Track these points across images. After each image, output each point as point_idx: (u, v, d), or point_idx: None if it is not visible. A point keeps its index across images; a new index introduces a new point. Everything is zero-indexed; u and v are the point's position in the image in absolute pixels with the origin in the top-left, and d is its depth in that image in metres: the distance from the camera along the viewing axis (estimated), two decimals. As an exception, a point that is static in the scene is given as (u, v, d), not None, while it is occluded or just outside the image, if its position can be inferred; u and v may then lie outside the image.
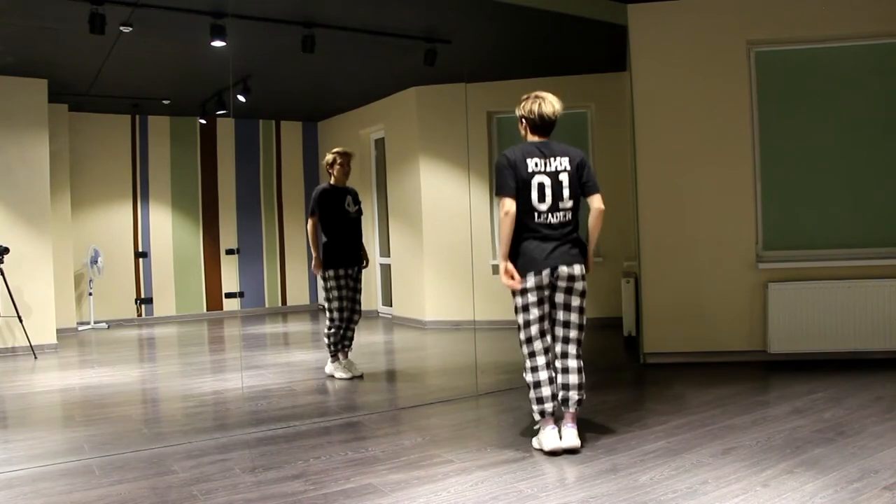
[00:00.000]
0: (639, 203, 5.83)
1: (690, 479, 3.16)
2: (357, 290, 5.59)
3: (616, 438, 3.81)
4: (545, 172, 3.61)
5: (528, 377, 3.65)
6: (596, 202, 3.73)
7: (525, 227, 3.59)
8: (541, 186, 3.58)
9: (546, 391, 3.59)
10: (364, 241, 5.77)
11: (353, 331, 5.65)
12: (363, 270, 5.66)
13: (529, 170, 3.59)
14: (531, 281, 3.56)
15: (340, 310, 5.45)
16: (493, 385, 5.22)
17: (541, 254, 3.56)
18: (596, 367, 5.83)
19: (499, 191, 3.60)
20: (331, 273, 5.41)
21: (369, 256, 5.80)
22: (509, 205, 3.55)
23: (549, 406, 3.59)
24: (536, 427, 3.67)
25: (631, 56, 5.83)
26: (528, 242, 3.58)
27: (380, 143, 9.14)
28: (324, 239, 5.49)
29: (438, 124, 8.18)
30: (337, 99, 8.93)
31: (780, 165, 5.71)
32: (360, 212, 5.63)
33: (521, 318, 3.64)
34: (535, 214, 3.58)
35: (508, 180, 3.57)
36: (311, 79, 7.81)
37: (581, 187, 3.71)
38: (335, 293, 5.42)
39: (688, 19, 5.70)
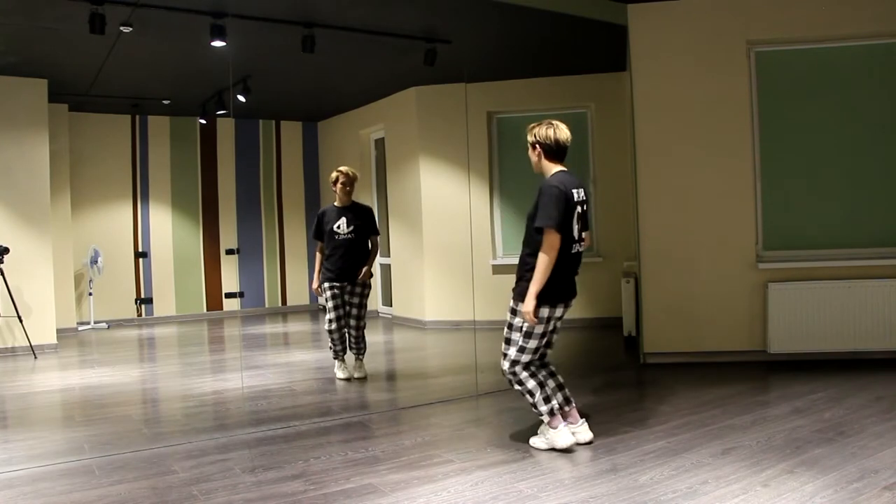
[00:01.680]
0: (639, 203, 5.83)
1: (690, 479, 3.16)
2: (353, 305, 5.58)
3: (616, 438, 3.81)
4: (578, 202, 3.63)
5: (530, 383, 3.66)
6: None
7: (561, 257, 3.55)
8: (576, 216, 3.61)
9: (550, 388, 3.68)
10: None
11: (358, 339, 5.66)
12: (367, 285, 5.65)
13: (574, 199, 3.60)
14: (559, 311, 3.64)
15: (329, 321, 5.57)
16: (493, 385, 5.22)
17: (567, 285, 3.64)
18: (596, 367, 5.83)
19: (554, 223, 3.47)
20: (324, 286, 5.56)
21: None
22: (558, 240, 3.50)
23: (556, 403, 3.67)
24: (547, 427, 3.67)
25: (631, 56, 5.83)
26: (560, 273, 3.57)
27: (380, 143, 9.14)
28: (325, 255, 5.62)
29: (438, 124, 8.18)
30: (337, 99, 8.93)
31: (780, 165, 5.71)
32: (357, 231, 5.51)
33: (533, 343, 3.63)
34: (572, 245, 3.60)
35: (562, 213, 3.51)
36: (311, 79, 7.81)
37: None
38: (329, 303, 5.57)
39: (688, 19, 5.70)
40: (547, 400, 3.65)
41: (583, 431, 3.72)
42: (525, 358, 3.67)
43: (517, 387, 3.71)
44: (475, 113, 7.84)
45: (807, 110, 5.72)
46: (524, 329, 3.63)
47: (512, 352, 3.67)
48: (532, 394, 3.66)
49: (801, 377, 5.05)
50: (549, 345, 3.81)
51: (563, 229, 3.52)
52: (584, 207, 3.69)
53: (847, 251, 5.57)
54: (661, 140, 5.76)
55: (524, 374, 3.68)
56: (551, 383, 3.75)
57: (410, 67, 7.03)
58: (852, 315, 5.41)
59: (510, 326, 3.70)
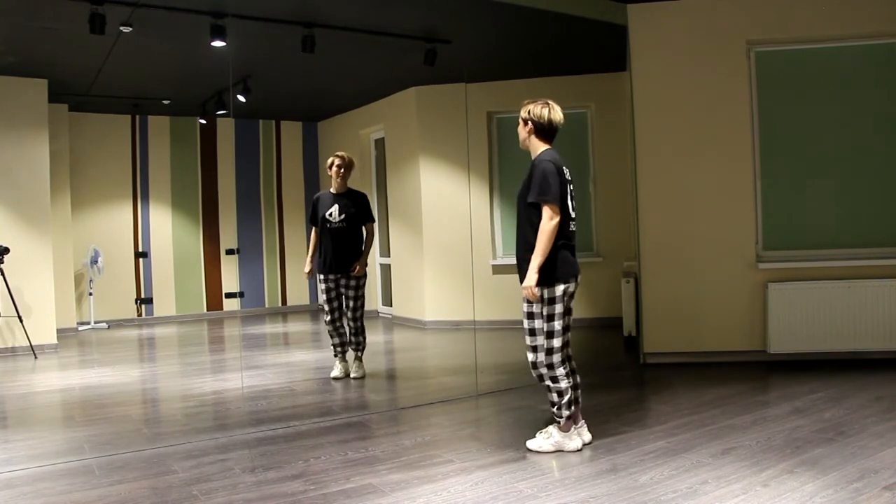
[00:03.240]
0: (639, 203, 5.83)
1: (690, 479, 3.16)
2: (349, 297, 5.54)
3: (616, 438, 3.81)
4: (569, 181, 3.67)
5: (563, 383, 3.58)
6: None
7: (561, 234, 3.57)
8: (570, 193, 3.66)
9: (573, 395, 3.64)
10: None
11: (357, 332, 5.62)
12: (362, 276, 5.60)
13: (566, 176, 3.65)
14: (571, 286, 3.61)
15: (325, 312, 5.57)
16: (493, 385, 5.22)
17: (574, 260, 3.63)
18: (596, 367, 5.83)
19: (552, 197, 3.51)
20: (319, 277, 5.55)
21: (370, 256, 5.78)
22: (558, 212, 3.53)
23: (574, 408, 3.66)
24: (559, 429, 3.66)
25: (631, 56, 5.83)
26: (563, 250, 3.58)
27: (380, 143, 9.14)
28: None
29: (438, 124, 8.18)
30: (337, 99, 8.92)
31: (779, 165, 5.71)
32: (349, 219, 5.47)
33: (556, 325, 3.57)
34: (571, 222, 3.63)
35: (557, 188, 3.54)
36: (311, 79, 7.81)
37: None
38: (322, 296, 5.55)
39: (688, 19, 5.70)
40: (569, 405, 3.62)
41: (583, 432, 3.73)
42: (557, 343, 3.57)
43: (548, 381, 3.60)
44: (475, 113, 7.83)
45: (807, 110, 5.72)
46: (545, 313, 3.56)
47: (540, 340, 3.57)
48: (561, 395, 3.59)
49: (801, 377, 5.05)
50: (569, 328, 3.72)
51: (561, 204, 3.55)
52: (571, 186, 3.71)
53: (847, 251, 5.57)
54: (661, 140, 5.75)
55: (561, 371, 3.59)
56: (571, 381, 3.71)
57: (410, 67, 7.03)
58: (852, 315, 5.41)
59: (530, 316, 3.60)
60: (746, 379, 5.14)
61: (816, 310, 5.45)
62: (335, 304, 5.52)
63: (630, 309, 6.63)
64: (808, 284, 5.47)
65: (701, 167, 5.69)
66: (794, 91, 5.73)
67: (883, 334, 5.38)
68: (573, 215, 3.68)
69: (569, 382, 3.61)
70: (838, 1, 5.47)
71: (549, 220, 3.50)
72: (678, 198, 5.73)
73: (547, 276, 3.54)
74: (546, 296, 3.56)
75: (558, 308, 3.57)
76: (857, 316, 5.40)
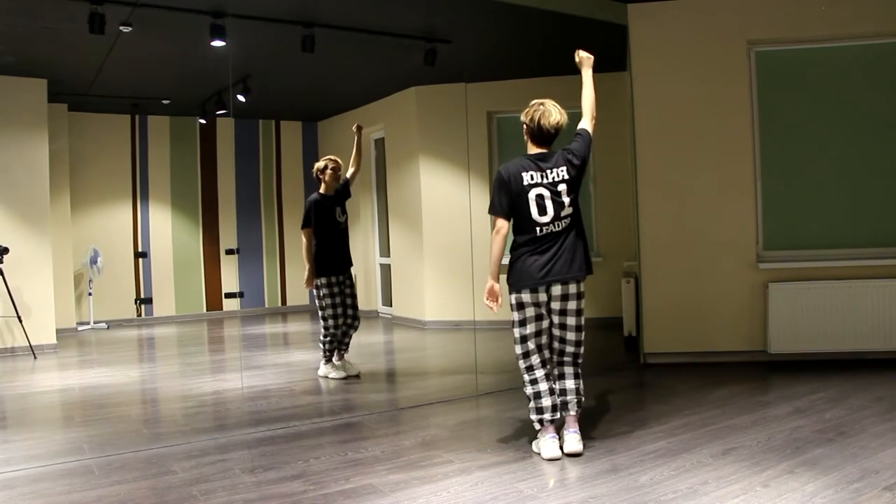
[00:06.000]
0: (639, 203, 5.83)
1: (691, 480, 3.16)
2: (353, 296, 5.61)
3: (616, 438, 3.81)
4: (543, 185, 3.52)
5: (528, 389, 3.62)
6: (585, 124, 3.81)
7: (524, 241, 3.55)
8: (539, 198, 3.50)
9: (546, 402, 3.58)
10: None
11: (351, 336, 5.67)
12: (353, 275, 5.69)
13: (525, 183, 3.51)
14: (526, 297, 3.55)
15: (335, 317, 5.49)
16: (493, 385, 5.22)
17: (536, 270, 3.50)
18: (596, 367, 5.83)
19: (490, 209, 3.59)
20: (322, 281, 5.46)
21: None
22: (500, 225, 3.54)
23: (548, 416, 3.58)
24: (538, 434, 3.65)
25: (631, 56, 5.83)
26: (525, 257, 3.54)
27: (380, 143, 9.14)
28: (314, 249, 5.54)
29: (438, 124, 8.18)
30: (337, 99, 8.93)
31: (780, 165, 5.71)
32: (346, 220, 5.68)
33: (517, 332, 3.62)
34: (537, 228, 3.52)
35: (501, 199, 3.55)
36: (311, 79, 7.81)
37: (580, 163, 3.60)
38: (328, 300, 5.48)
39: (688, 19, 5.70)
40: (539, 411, 3.58)
41: (571, 442, 3.55)
42: (519, 349, 3.63)
43: (523, 386, 3.68)
44: (475, 113, 7.83)
45: (807, 110, 5.72)
46: (512, 318, 3.63)
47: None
48: (528, 398, 3.64)
49: (801, 377, 5.05)
50: (563, 341, 3.61)
51: (515, 213, 3.53)
52: (556, 188, 3.50)
53: (847, 251, 5.57)
54: (661, 140, 5.75)
55: (526, 377, 3.63)
56: (557, 386, 3.64)
57: (410, 67, 7.03)
58: (852, 315, 5.40)
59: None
60: (747, 379, 5.13)
61: (817, 310, 5.45)
62: (343, 305, 5.54)
63: (630, 309, 6.63)
64: (808, 284, 5.47)
65: (701, 167, 5.69)
66: (794, 91, 5.73)
67: (883, 334, 5.38)
68: (539, 220, 3.49)
69: (535, 389, 3.59)
70: (838, 1, 5.47)
71: (493, 233, 3.57)
72: (678, 197, 5.73)
73: (508, 283, 3.62)
74: (508, 301, 3.64)
75: (515, 315, 3.61)
76: (858, 316, 5.40)
